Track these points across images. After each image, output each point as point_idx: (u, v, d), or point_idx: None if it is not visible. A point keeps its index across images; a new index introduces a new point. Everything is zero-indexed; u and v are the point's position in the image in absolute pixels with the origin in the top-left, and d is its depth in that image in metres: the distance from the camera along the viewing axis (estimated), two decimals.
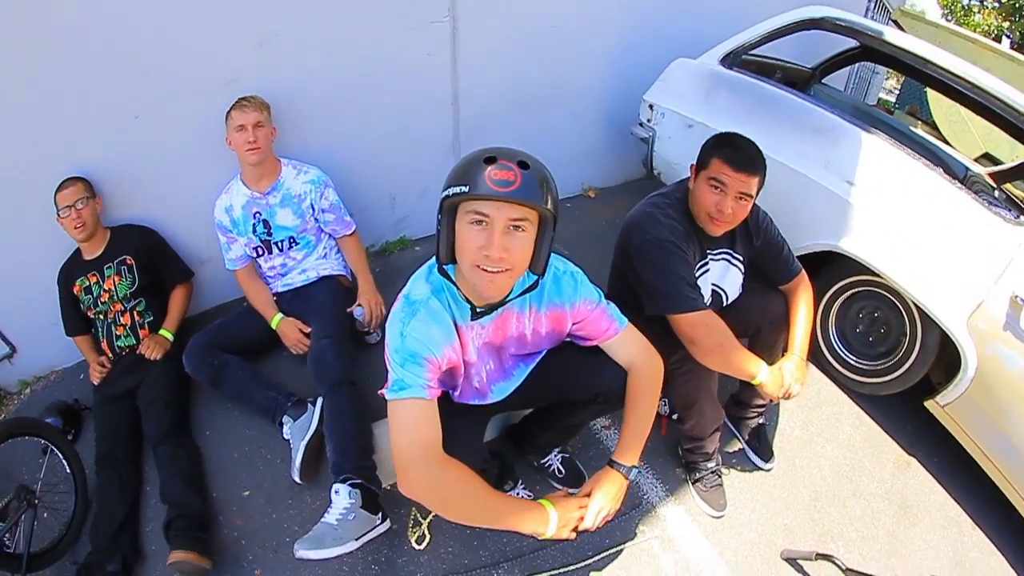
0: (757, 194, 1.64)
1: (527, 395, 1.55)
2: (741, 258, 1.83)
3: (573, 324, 1.40)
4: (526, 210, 1.10)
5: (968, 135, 3.91)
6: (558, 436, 1.81)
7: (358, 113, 2.37)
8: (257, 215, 2.16)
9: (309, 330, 2.14)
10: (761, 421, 2.06)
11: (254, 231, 2.17)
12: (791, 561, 1.79)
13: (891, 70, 4.54)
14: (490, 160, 1.08)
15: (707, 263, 1.77)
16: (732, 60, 2.60)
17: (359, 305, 2.20)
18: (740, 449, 2.08)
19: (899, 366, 2.13)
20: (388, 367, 1.21)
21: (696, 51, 2.72)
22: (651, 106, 2.68)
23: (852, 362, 2.30)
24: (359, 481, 1.69)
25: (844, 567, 1.68)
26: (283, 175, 2.17)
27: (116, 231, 2.24)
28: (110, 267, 2.18)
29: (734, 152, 1.59)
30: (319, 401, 1.97)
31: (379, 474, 1.80)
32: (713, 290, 1.81)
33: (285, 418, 1.96)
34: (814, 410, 2.27)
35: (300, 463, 1.85)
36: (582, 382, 1.48)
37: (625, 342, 1.42)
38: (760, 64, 2.74)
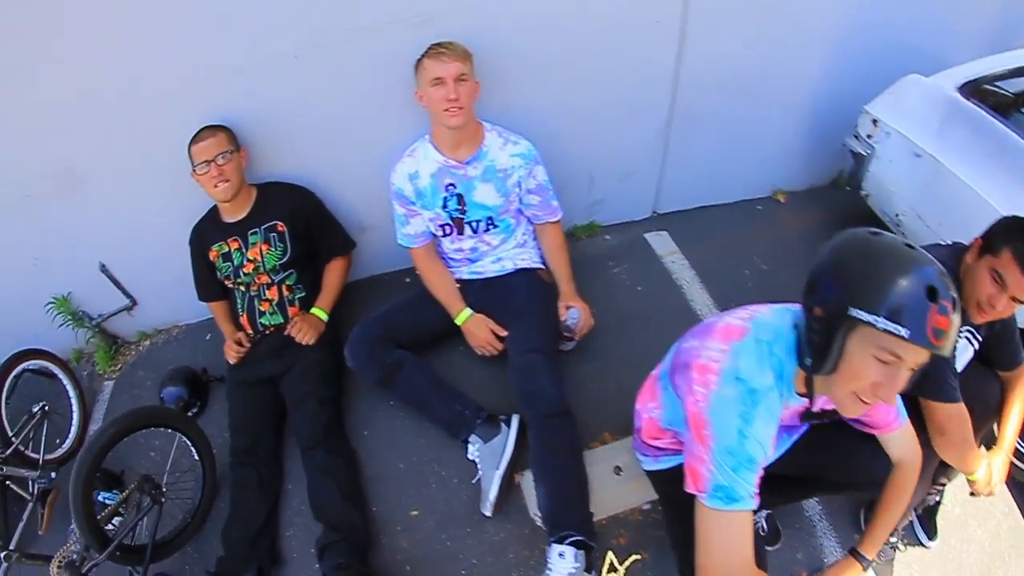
0: None
1: (782, 465, 1.41)
2: (980, 339, 1.69)
3: None
4: None
5: None
6: (780, 501, 1.70)
7: (571, 77, 1.96)
8: (451, 188, 1.78)
9: (503, 333, 1.85)
10: (938, 499, 2.02)
11: (444, 206, 1.81)
12: None
13: None
14: (932, 294, 0.87)
15: None
16: (972, 90, 2.28)
17: (572, 307, 1.88)
18: (909, 522, 2.06)
19: None
20: (706, 463, 1.02)
21: (928, 64, 2.37)
22: (875, 121, 2.36)
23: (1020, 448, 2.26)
24: (581, 538, 1.53)
25: None
26: (487, 143, 1.77)
27: (264, 190, 1.90)
28: (256, 233, 1.87)
29: None
30: (514, 421, 1.74)
31: None
32: None
33: (473, 437, 1.73)
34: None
35: (495, 498, 1.65)
36: (849, 466, 1.39)
37: (904, 437, 1.32)
38: (992, 93, 2.42)
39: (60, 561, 1.60)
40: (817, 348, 0.98)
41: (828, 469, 1.41)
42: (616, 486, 1.74)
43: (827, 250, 0.98)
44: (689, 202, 2.50)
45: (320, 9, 1.64)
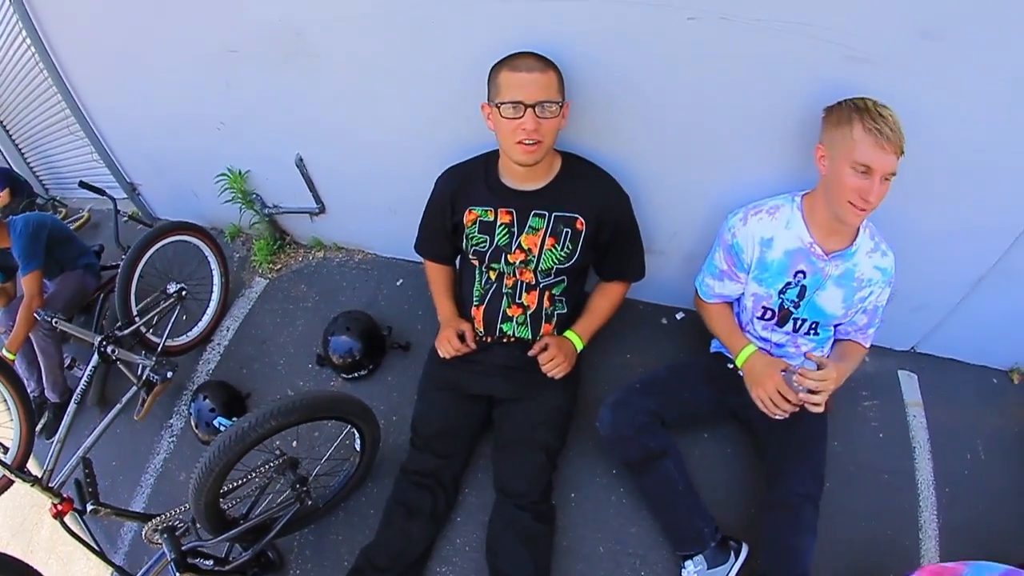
0: None
1: None
2: None
3: None
4: None
5: None
6: None
7: (941, 198, 1.54)
8: (799, 276, 1.38)
9: (793, 398, 1.37)
10: None
11: (783, 292, 1.43)
12: None
13: None
14: None
15: None
16: None
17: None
18: None
19: None
20: None
21: None
22: None
23: None
24: None
25: None
26: (858, 242, 1.35)
27: (572, 166, 1.45)
28: (542, 217, 1.43)
29: None
30: (744, 552, 1.46)
31: None
32: None
33: (698, 558, 1.47)
34: None
35: None
36: None
37: None
38: None
39: (159, 525, 1.36)
40: None
41: None
42: None
43: None
44: (943, 350, 2.19)
45: None
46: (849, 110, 1.21)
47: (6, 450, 1.74)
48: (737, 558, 1.46)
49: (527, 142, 1.28)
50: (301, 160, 1.89)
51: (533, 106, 1.25)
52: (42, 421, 2.02)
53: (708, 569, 1.45)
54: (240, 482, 1.39)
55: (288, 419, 1.24)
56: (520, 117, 1.26)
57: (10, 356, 1.88)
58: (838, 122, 1.22)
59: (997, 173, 1.45)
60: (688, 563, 1.47)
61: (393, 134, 1.68)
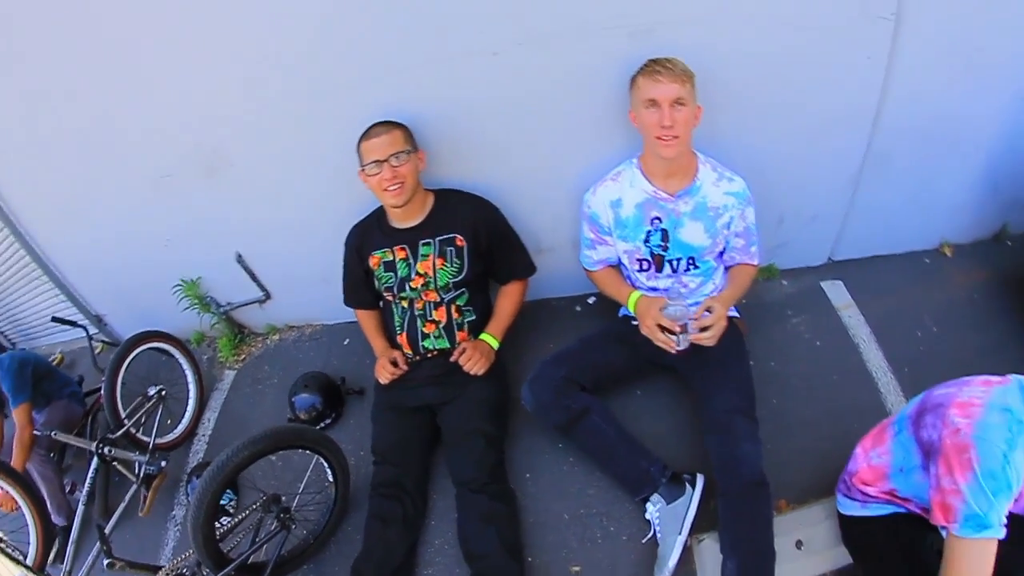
0: None
1: None
2: None
3: None
4: None
5: None
6: None
7: (778, 113, 1.76)
8: (656, 222, 1.60)
9: (676, 331, 1.52)
10: None
11: (647, 240, 1.62)
12: None
13: None
14: None
15: None
16: None
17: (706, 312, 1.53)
18: None
19: None
20: (959, 493, 1.04)
21: None
22: None
23: None
24: None
25: None
26: (700, 177, 1.58)
27: (443, 198, 1.75)
28: (429, 244, 1.71)
29: None
30: (699, 482, 1.57)
31: None
32: None
33: (655, 497, 1.57)
34: None
35: (675, 565, 1.47)
36: None
37: None
38: None
39: (169, 572, 1.53)
40: None
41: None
42: (796, 561, 1.55)
43: None
44: (863, 251, 2.30)
45: (534, 4, 1.47)
46: (635, 74, 1.50)
47: (25, 556, 1.87)
48: (694, 488, 1.56)
49: (391, 188, 1.59)
50: (240, 256, 2.15)
51: (386, 160, 1.56)
52: (54, 549, 2.08)
53: (668, 505, 1.56)
54: (236, 521, 1.58)
55: (257, 447, 1.46)
56: (380, 172, 1.57)
57: None
58: (631, 84, 1.52)
59: (814, 83, 1.70)
60: (648, 505, 1.59)
61: (307, 213, 1.96)
